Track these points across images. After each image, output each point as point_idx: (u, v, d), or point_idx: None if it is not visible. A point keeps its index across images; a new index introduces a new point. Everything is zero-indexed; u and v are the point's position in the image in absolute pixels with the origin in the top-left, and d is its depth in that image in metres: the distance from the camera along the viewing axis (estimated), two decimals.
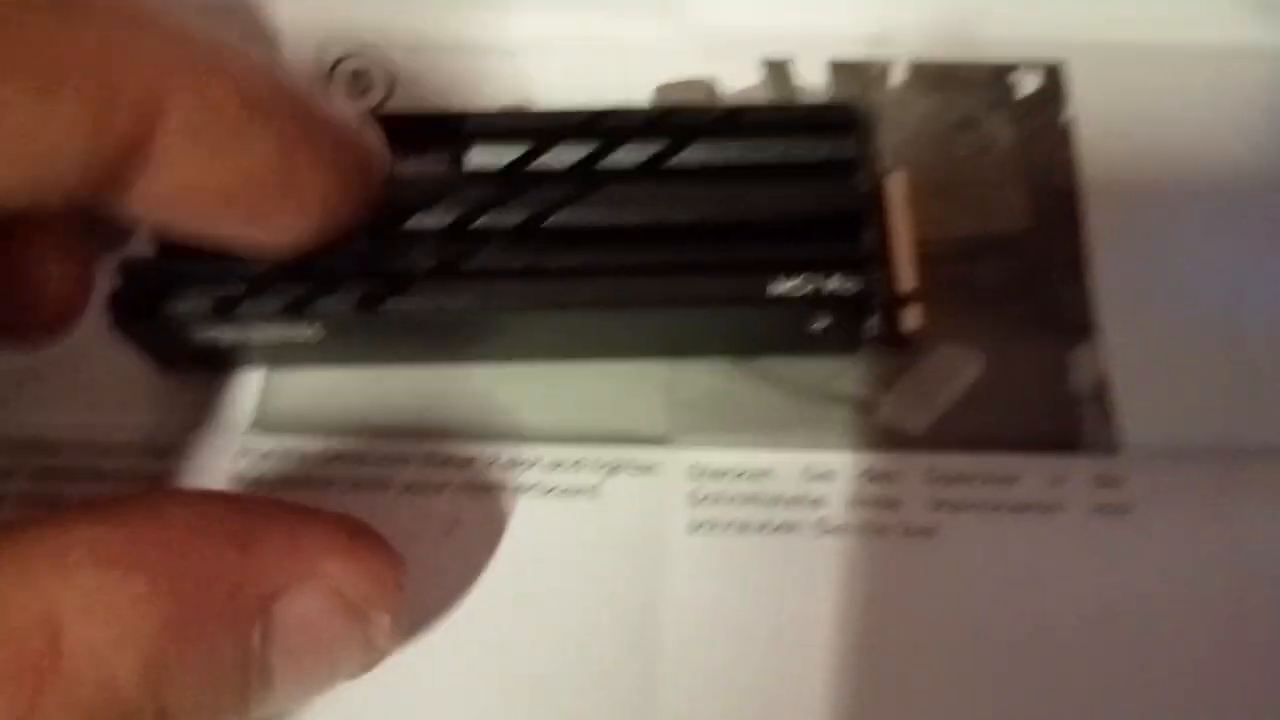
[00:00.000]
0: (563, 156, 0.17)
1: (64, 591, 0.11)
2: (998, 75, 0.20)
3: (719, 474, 0.18)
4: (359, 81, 0.21)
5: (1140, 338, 0.18)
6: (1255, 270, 0.19)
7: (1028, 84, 0.20)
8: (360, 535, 0.14)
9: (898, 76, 0.20)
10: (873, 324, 0.17)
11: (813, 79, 0.20)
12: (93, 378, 0.18)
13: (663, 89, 0.20)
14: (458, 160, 0.17)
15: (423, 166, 0.17)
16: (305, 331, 0.17)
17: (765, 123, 0.18)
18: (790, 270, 0.16)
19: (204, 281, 0.16)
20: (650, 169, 0.17)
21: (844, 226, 0.17)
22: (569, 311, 0.17)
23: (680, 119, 0.18)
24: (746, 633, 0.16)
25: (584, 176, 0.17)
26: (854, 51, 0.21)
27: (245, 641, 0.12)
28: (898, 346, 0.18)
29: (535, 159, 0.17)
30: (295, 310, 0.16)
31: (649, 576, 0.17)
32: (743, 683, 0.16)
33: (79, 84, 0.12)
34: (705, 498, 0.17)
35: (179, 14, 0.13)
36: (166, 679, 0.12)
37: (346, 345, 0.17)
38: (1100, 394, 0.18)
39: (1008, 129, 0.20)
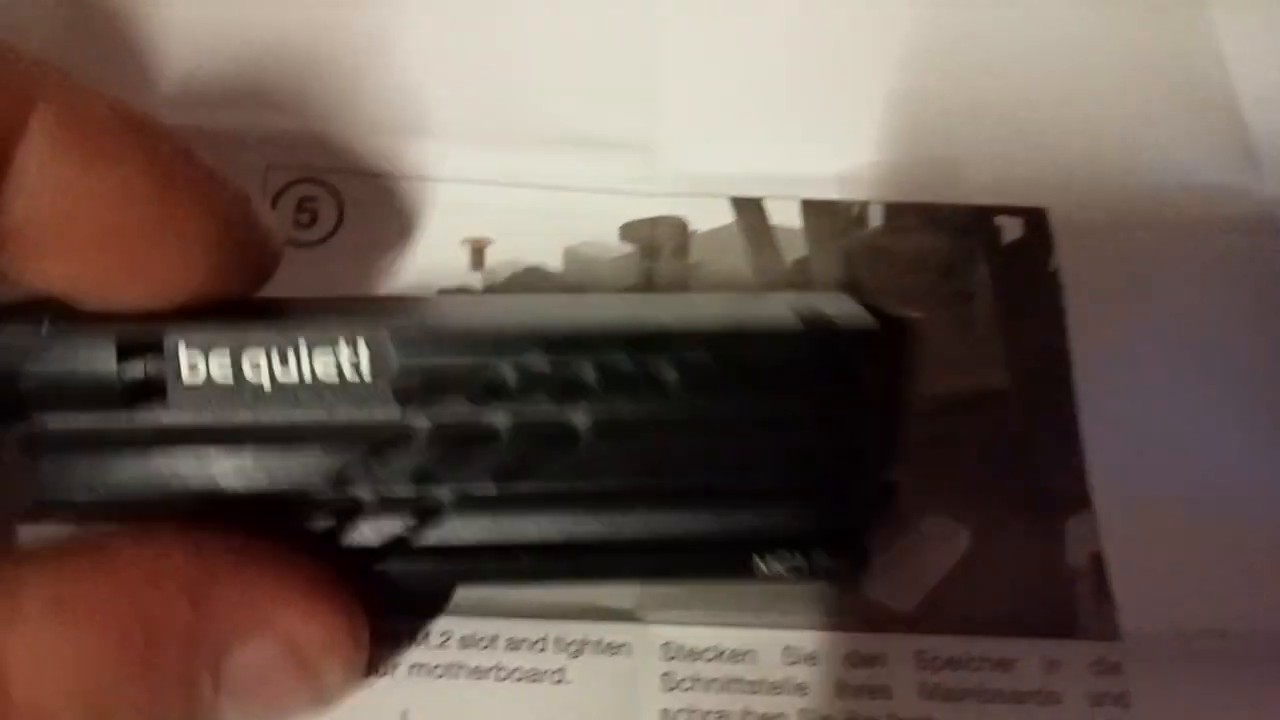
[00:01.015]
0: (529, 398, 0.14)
1: (14, 641, 0.11)
2: (979, 219, 0.20)
3: (694, 654, 0.16)
4: (305, 209, 0.19)
5: (1136, 512, 0.17)
6: (1251, 442, 0.18)
7: (1010, 230, 0.20)
8: (317, 585, 0.13)
9: (875, 219, 0.20)
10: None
11: (786, 219, 0.20)
12: None
13: (628, 227, 0.19)
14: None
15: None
16: None
17: (760, 365, 0.14)
18: (777, 546, 0.15)
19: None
20: (627, 426, 0.14)
21: (839, 476, 0.15)
22: (539, 581, 0.16)
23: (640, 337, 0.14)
24: None
25: (555, 432, 0.14)
26: (827, 193, 0.20)
27: (194, 693, 0.12)
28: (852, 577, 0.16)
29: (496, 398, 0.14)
30: None
31: None
32: None
33: None
34: (681, 681, 0.16)
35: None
36: None
37: None
38: (1096, 571, 0.17)
39: (990, 278, 0.19)
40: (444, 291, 0.19)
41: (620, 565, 0.15)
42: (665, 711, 0.16)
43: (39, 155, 0.12)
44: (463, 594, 0.16)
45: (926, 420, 0.18)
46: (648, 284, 0.19)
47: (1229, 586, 0.17)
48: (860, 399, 0.14)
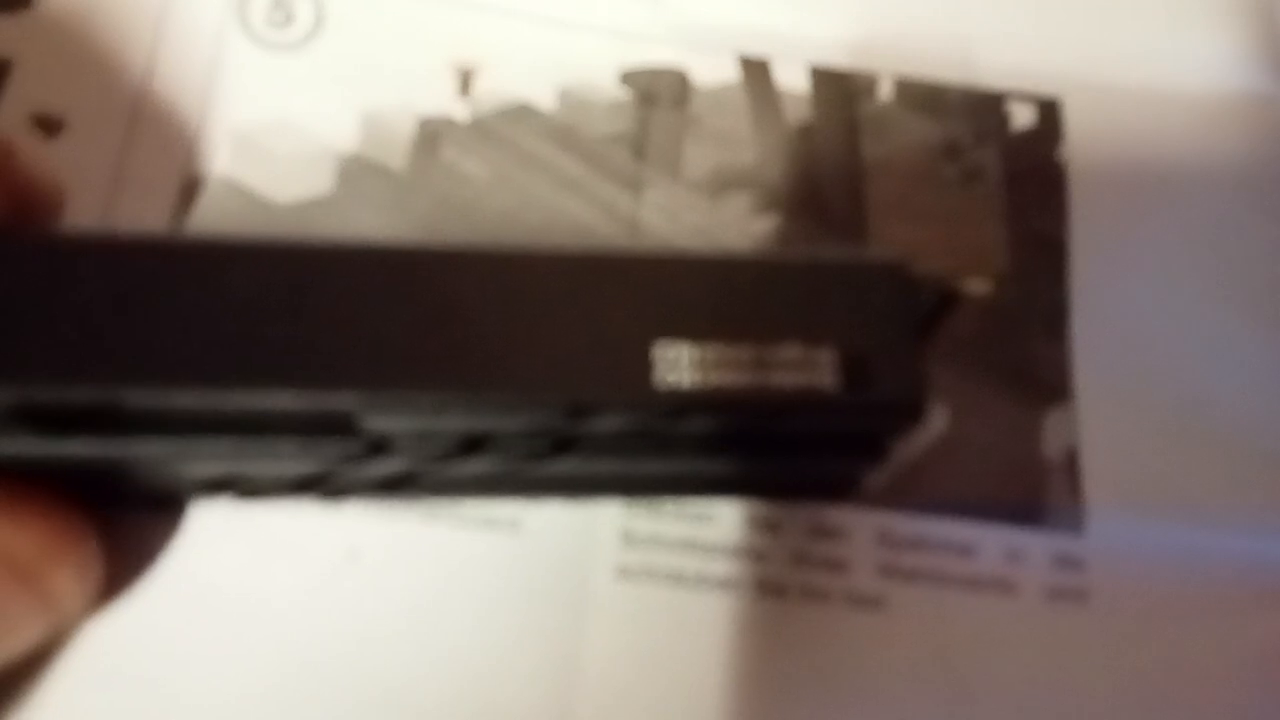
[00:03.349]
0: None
1: None
2: (990, 104, 0.19)
3: (656, 511, 0.16)
4: (279, 10, 0.18)
5: (1116, 410, 0.17)
6: (1234, 350, 0.18)
7: (1021, 117, 0.19)
8: (21, 499, 0.13)
9: (885, 92, 0.19)
10: None
11: (793, 83, 0.19)
12: None
13: (629, 75, 0.18)
14: None
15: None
16: None
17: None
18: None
19: None
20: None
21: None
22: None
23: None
24: (668, 701, 0.15)
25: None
26: (837, 59, 0.19)
27: None
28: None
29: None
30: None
31: (571, 626, 0.15)
32: None
33: None
34: (640, 539, 0.16)
35: None
36: None
37: None
38: (1069, 464, 0.17)
39: (997, 162, 0.19)
40: (426, 123, 0.18)
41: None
42: (621, 568, 0.15)
43: None
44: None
45: None
46: (642, 133, 0.18)
47: (1201, 494, 0.17)
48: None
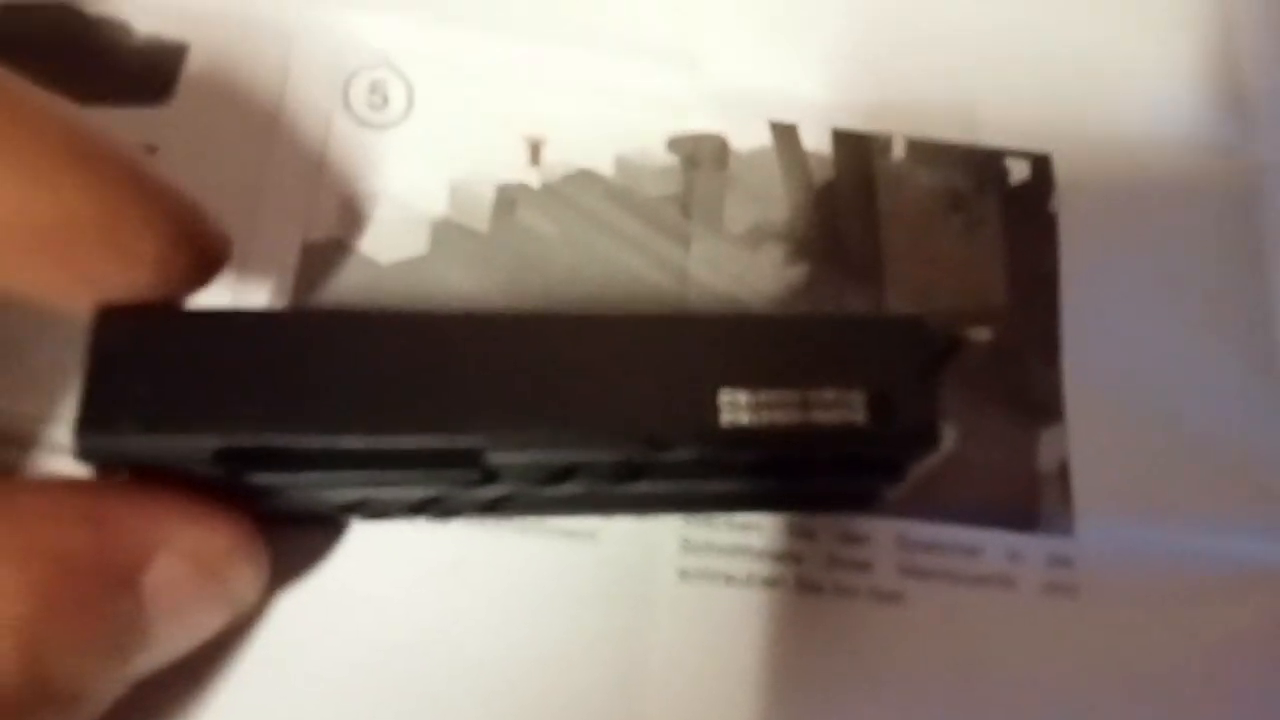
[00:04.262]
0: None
1: None
2: (990, 160, 0.22)
3: (710, 523, 0.19)
4: (377, 95, 0.21)
5: (1102, 427, 0.20)
6: (1205, 371, 0.20)
7: (1017, 171, 0.22)
8: (208, 505, 0.15)
9: (898, 151, 0.22)
10: None
11: (818, 145, 0.21)
12: None
13: (675, 142, 0.21)
14: None
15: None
16: None
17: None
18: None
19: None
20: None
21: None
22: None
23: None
24: (724, 685, 0.18)
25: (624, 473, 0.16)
26: (855, 123, 0.22)
27: (116, 611, 0.13)
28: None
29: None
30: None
31: (640, 622, 0.18)
32: None
33: None
34: (697, 546, 0.18)
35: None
36: (46, 656, 0.13)
37: None
38: (1061, 476, 0.19)
39: (997, 212, 0.21)
40: (503, 189, 0.20)
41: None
42: (682, 570, 0.18)
43: None
44: None
45: None
46: (689, 193, 0.21)
47: (1177, 499, 0.19)
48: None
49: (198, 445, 0.14)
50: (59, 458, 0.18)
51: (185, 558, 0.14)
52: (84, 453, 0.14)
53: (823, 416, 0.15)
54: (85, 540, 0.13)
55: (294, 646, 0.17)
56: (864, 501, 0.19)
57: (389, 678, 0.17)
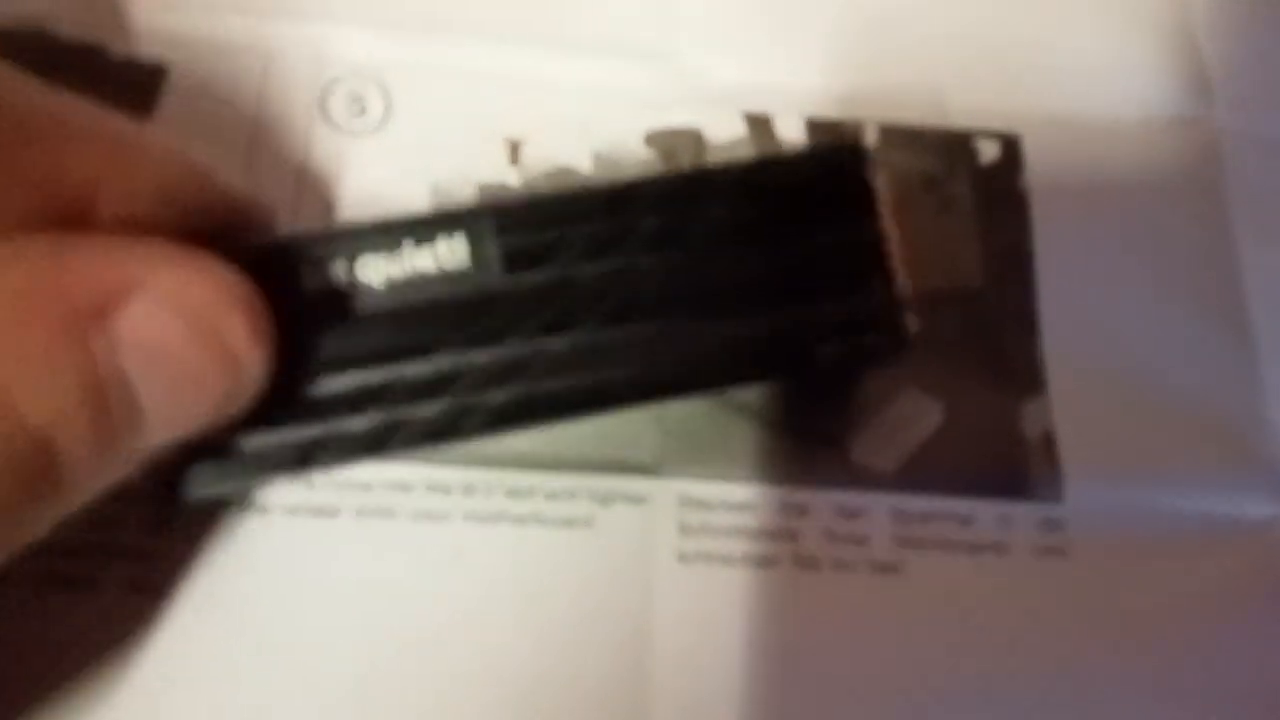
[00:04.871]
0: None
1: None
2: (960, 142, 0.22)
3: (706, 505, 0.19)
4: (354, 104, 0.21)
5: (1084, 395, 0.20)
6: (1177, 338, 0.21)
7: (987, 152, 0.22)
8: (190, 250, 0.13)
9: (871, 137, 0.22)
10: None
11: (792, 133, 0.22)
12: None
13: (652, 136, 0.21)
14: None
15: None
16: None
17: (768, 181, 0.17)
18: (830, 335, 0.17)
19: None
20: (659, 241, 0.17)
21: (865, 269, 0.17)
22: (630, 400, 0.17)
23: (687, 184, 0.17)
24: (726, 662, 0.18)
25: (603, 247, 0.17)
26: (828, 111, 0.22)
27: (86, 354, 0.12)
28: (899, 352, 0.18)
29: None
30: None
31: (641, 605, 0.18)
32: (731, 707, 0.18)
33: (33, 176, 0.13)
34: (694, 528, 0.19)
35: (110, 118, 0.14)
36: (20, 407, 0.12)
37: None
38: (1047, 444, 0.20)
39: (968, 192, 0.22)
40: (484, 188, 0.21)
41: (699, 375, 0.17)
42: (681, 554, 0.19)
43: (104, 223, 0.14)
44: (504, 446, 0.19)
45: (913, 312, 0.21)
46: None
47: (1157, 460, 0.20)
48: (873, 202, 0.17)
49: None
50: None
51: (165, 303, 0.13)
52: None
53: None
54: (46, 272, 0.12)
55: (295, 640, 0.17)
56: (796, 364, 0.17)
57: (391, 669, 0.17)
